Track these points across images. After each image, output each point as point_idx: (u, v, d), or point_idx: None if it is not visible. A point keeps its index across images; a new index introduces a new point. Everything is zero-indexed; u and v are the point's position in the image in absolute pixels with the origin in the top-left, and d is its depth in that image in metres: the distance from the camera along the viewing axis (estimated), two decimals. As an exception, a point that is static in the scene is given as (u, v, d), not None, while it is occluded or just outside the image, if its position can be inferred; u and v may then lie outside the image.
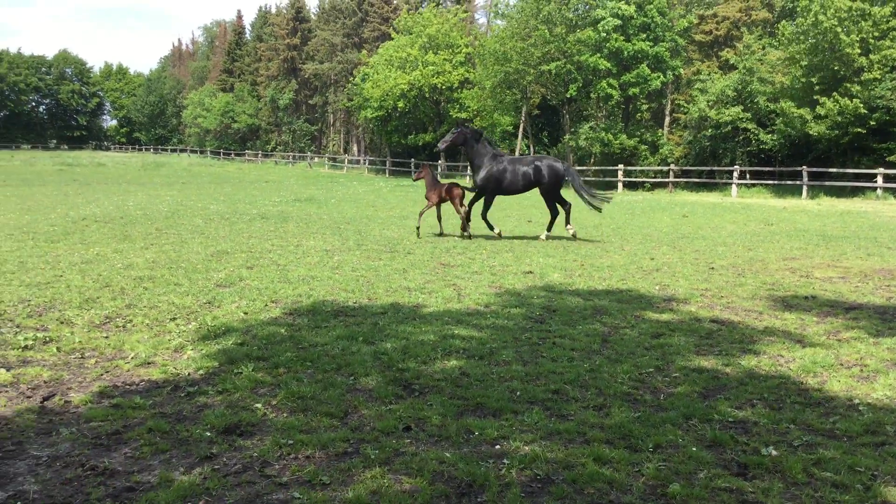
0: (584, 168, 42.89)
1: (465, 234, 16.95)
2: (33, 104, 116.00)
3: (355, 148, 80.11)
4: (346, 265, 12.52)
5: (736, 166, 36.06)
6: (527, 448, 4.91)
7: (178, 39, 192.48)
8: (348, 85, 66.03)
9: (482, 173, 16.69)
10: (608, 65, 39.93)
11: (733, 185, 35.46)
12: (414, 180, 18.30)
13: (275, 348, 7.25)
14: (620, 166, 39.40)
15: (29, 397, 5.86)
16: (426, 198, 17.35)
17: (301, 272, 11.67)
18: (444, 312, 9.06)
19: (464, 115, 51.66)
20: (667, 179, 38.94)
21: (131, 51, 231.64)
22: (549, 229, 17.49)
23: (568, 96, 43.01)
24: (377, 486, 4.30)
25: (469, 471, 4.51)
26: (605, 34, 39.76)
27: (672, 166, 39.25)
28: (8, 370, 6.49)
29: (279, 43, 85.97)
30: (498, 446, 4.96)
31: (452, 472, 4.52)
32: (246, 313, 8.83)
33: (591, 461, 4.71)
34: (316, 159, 72.51)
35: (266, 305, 9.28)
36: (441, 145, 16.50)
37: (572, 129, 44.93)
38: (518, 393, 6.05)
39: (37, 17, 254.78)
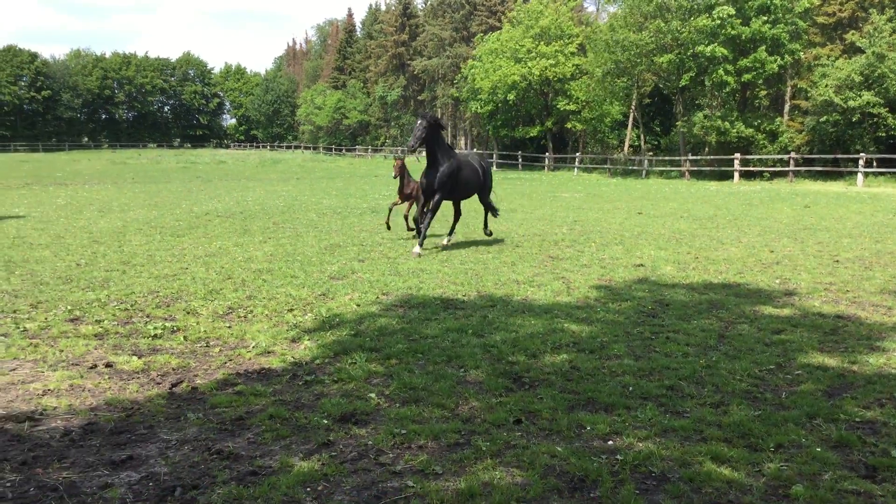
0: (699, 157, 41.56)
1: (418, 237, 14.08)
2: (159, 105, 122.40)
3: (462, 141, 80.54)
4: (455, 258, 12.62)
5: (862, 154, 34.08)
6: (641, 444, 4.82)
7: (293, 39, 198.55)
8: (456, 78, 66.33)
9: (443, 169, 13.71)
10: (724, 51, 38.47)
11: (859, 174, 33.53)
12: (394, 177, 15.52)
13: (387, 339, 7.40)
14: (737, 155, 37.96)
15: (159, 384, 6.21)
16: (402, 194, 15.57)
17: (411, 265, 11.85)
18: (553, 305, 8.99)
19: (572, 107, 50.96)
20: (787, 168, 37.18)
21: (249, 51, 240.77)
22: (451, 229, 15.16)
23: (681, 85, 41.73)
24: (489, 478, 4.33)
25: (581, 465, 4.47)
26: (719, 20, 38.30)
27: (792, 154, 37.50)
28: (139, 358, 6.90)
29: (388, 40, 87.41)
30: (611, 442, 4.89)
31: (564, 467, 4.49)
32: (358, 305, 9.05)
33: (709, 460, 4.58)
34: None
35: (377, 297, 9.47)
36: (412, 143, 13.39)
37: (685, 118, 43.57)
38: (631, 388, 5.95)
39: (161, 21, 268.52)
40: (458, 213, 15.16)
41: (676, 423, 5.17)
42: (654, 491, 4.23)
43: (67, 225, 17.30)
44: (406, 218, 15.80)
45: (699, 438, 4.95)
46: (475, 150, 67.19)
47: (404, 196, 15.41)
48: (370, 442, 4.90)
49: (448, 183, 13.72)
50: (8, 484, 4.30)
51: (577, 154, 51.48)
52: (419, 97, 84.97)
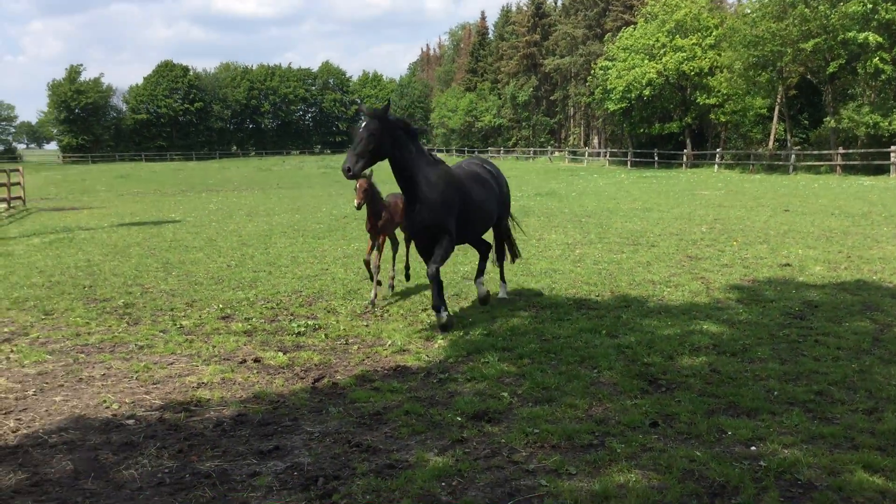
0: (851, 151, 38.97)
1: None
2: (301, 113, 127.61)
3: (596, 140, 79.25)
4: (588, 258, 12.46)
5: None
6: (786, 451, 4.60)
7: (427, 45, 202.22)
8: (589, 78, 65.34)
9: (435, 195, 8.13)
10: (879, 39, 35.83)
11: None
12: (357, 207, 9.17)
13: (519, 339, 7.42)
14: (893, 148, 35.33)
15: (302, 378, 6.51)
16: (371, 230, 9.70)
17: (543, 265, 11.80)
18: (692, 306, 8.71)
19: (712, 101, 49.04)
20: (953, 160, 34.28)
21: (386, 59, 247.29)
22: (500, 274, 9.99)
23: (830, 73, 39.22)
24: (624, 480, 4.26)
25: (722, 471, 4.32)
26: (871, 4, 35.70)
27: (960, 145, 34.50)
28: (284, 353, 7.25)
29: (520, 40, 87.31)
30: (753, 448, 4.70)
31: (703, 472, 4.35)
32: (491, 305, 9.10)
33: (860, 468, 4.31)
34: (556, 153, 72.78)
35: (512, 298, 9.49)
36: (350, 162, 7.77)
37: (835, 110, 40.96)
38: (776, 393, 5.68)
39: (305, 33, 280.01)
40: (484, 248, 9.59)
41: (825, 430, 4.90)
42: (799, 499, 4.03)
43: (219, 229, 18.38)
44: (366, 263, 9.91)
45: (850, 446, 4.67)
46: (552, 150, 65.68)
47: (375, 230, 9.61)
48: (503, 440, 4.93)
49: (452, 213, 8.15)
50: (166, 470, 4.64)
51: (718, 150, 49.52)
52: (551, 97, 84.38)
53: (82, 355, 7.35)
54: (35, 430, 5.36)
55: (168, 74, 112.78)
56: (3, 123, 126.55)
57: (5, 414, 5.70)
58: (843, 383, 5.86)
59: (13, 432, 5.33)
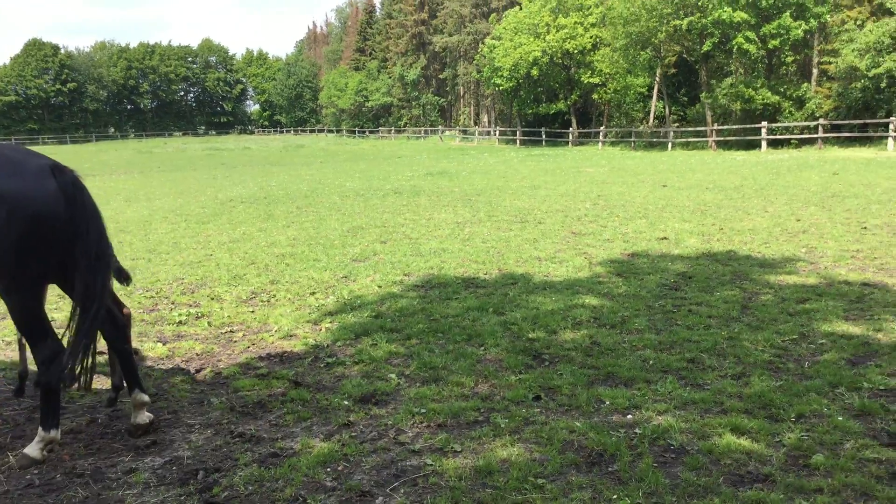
0: (724, 127, 40.93)
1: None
2: (182, 93, 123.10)
3: (485, 119, 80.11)
4: (477, 237, 12.60)
5: (893, 119, 33.35)
6: (660, 418, 4.81)
7: (313, 22, 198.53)
8: (477, 56, 65.85)
9: None
10: (745, 16, 37.66)
11: (890, 139, 32.84)
12: None
13: (408, 320, 7.43)
14: (763, 123, 37.36)
15: (183, 369, 6.31)
16: None
17: (433, 245, 11.86)
18: (575, 281, 8.96)
19: (595, 80, 50.40)
20: (815, 136, 36.52)
21: (270, 36, 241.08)
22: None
23: (704, 52, 41.01)
24: (507, 455, 4.35)
25: (600, 440, 4.47)
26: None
27: (821, 121, 36.80)
28: (164, 344, 7.00)
29: (407, 19, 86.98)
30: (630, 416, 4.88)
31: (583, 442, 4.49)
32: (380, 286, 9.08)
33: (729, 431, 4.55)
34: (447, 132, 73.15)
35: (399, 279, 9.50)
36: None
37: (710, 87, 42.88)
38: (651, 362, 5.92)
39: (184, 8, 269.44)
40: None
41: (696, 396, 5.15)
42: (672, 463, 4.22)
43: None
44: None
45: (719, 410, 4.92)
46: (443, 129, 66.14)
47: None
48: (390, 422, 4.93)
49: None
50: (35, 471, 4.40)
51: (601, 128, 51.03)
52: (440, 76, 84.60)
53: (-59, 355, 6.87)
54: None
55: (36, 54, 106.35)
56: None
57: None
58: (714, 350, 6.16)
59: None
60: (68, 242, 4.43)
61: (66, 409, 5.39)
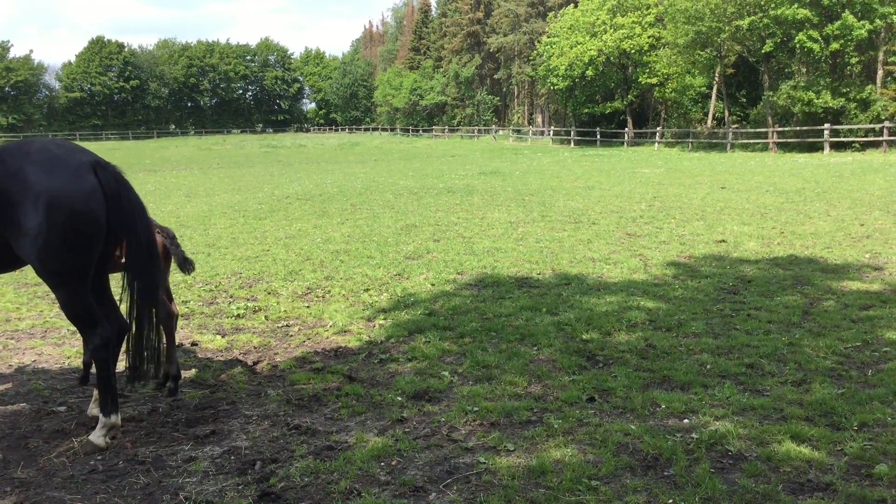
0: (786, 129, 39.97)
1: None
2: (241, 91, 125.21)
3: (539, 119, 79.65)
4: (531, 237, 12.56)
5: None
6: (717, 423, 4.73)
7: (369, 22, 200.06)
8: (532, 54, 65.52)
9: None
10: (807, 13, 36.65)
11: (962, 142, 31.68)
12: None
13: (460, 318, 7.44)
14: (826, 126, 36.36)
15: (241, 361, 6.43)
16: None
17: (486, 244, 11.86)
18: (630, 283, 8.87)
19: (653, 80, 49.70)
20: (880, 139, 35.38)
21: (327, 35, 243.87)
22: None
23: (765, 52, 40.08)
24: (560, 455, 4.33)
25: (655, 444, 4.42)
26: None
27: (886, 124, 35.64)
28: (223, 336, 7.15)
29: (463, 17, 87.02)
30: (686, 420, 4.81)
31: (638, 445, 4.45)
32: (433, 284, 9.12)
33: (789, 439, 4.45)
34: (500, 132, 72.97)
35: (452, 277, 9.52)
36: None
37: (771, 88, 41.88)
38: (708, 366, 5.83)
39: (245, 8, 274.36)
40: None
41: (755, 402, 5.05)
42: (730, 469, 4.15)
43: (156, 210, 17.96)
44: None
45: (779, 417, 4.82)
46: (496, 129, 65.78)
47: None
48: (443, 419, 4.95)
49: None
50: (98, 457, 4.53)
51: (658, 128, 50.31)
52: (495, 75, 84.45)
53: (12, 341, 7.13)
54: (-40, 421, 5.19)
55: (101, 51, 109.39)
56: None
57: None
58: (774, 356, 6.03)
59: (-63, 423, 5.15)
60: (111, 237, 4.55)
61: (128, 398, 5.54)
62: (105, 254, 4.67)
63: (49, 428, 5.01)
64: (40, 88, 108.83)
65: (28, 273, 10.15)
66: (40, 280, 9.56)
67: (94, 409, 5.01)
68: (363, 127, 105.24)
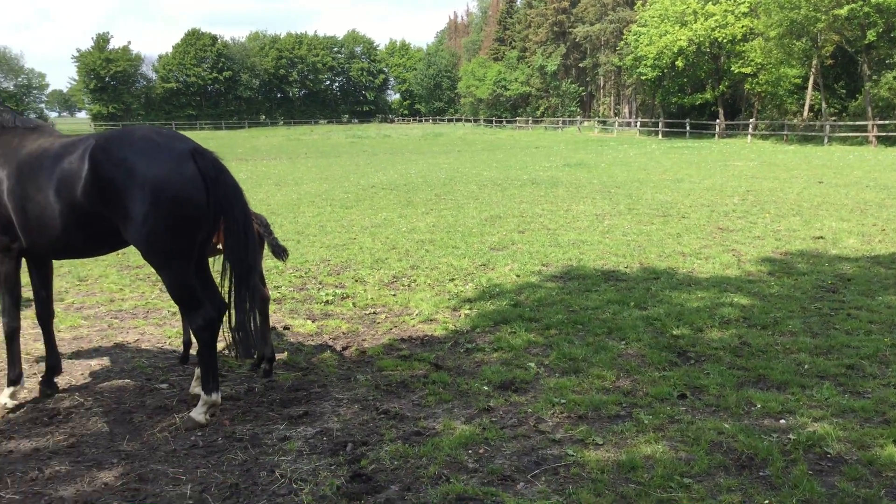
0: (887, 122, 38.09)
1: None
2: (328, 82, 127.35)
3: (626, 110, 78.22)
4: (617, 229, 12.37)
5: None
6: (816, 425, 4.57)
7: (454, 12, 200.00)
8: (620, 44, 64.35)
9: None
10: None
11: None
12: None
13: (546, 310, 7.41)
14: (933, 117, 34.50)
15: (331, 346, 6.57)
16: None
17: (571, 236, 11.75)
18: (722, 279, 8.64)
19: (746, 70, 48.04)
20: None
21: (412, 26, 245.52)
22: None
23: (867, 43, 38.20)
24: (651, 452, 4.26)
25: (750, 443, 4.30)
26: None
27: None
28: (313, 321, 7.32)
29: (548, 8, 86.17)
30: (783, 421, 4.67)
31: (732, 444, 4.34)
32: (518, 276, 9.10)
33: (892, 443, 4.27)
34: (585, 123, 72.02)
35: (537, 269, 9.48)
36: None
37: (873, 79, 39.91)
38: (806, 366, 5.63)
39: (329, 1, 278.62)
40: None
41: (856, 404, 4.85)
42: (829, 472, 4.00)
43: (248, 198, 18.46)
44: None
45: (881, 420, 4.62)
46: (581, 120, 64.47)
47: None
48: (530, 409, 4.95)
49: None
50: (199, 433, 4.72)
51: (751, 120, 48.69)
52: (580, 65, 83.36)
53: (116, 321, 7.48)
54: (72, 394, 5.48)
55: (196, 43, 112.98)
56: (35, 92, 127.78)
57: (42, 377, 5.82)
58: (875, 357, 5.79)
59: (46, 396, 5.46)
60: (212, 221, 4.72)
61: (226, 378, 5.74)
62: (207, 237, 4.85)
63: (152, 404, 5.24)
64: (138, 79, 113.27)
65: (130, 255, 10.62)
66: (141, 262, 9.98)
67: (195, 388, 5.21)
68: (446, 117, 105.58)
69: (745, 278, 8.66)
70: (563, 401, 5.05)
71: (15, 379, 5.26)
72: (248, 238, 4.83)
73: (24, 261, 5.28)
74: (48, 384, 5.49)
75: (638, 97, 71.48)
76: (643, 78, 56.79)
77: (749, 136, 46.38)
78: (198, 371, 5.13)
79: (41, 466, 4.27)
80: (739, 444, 4.33)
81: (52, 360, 5.54)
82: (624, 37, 61.23)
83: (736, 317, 7.01)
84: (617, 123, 65.98)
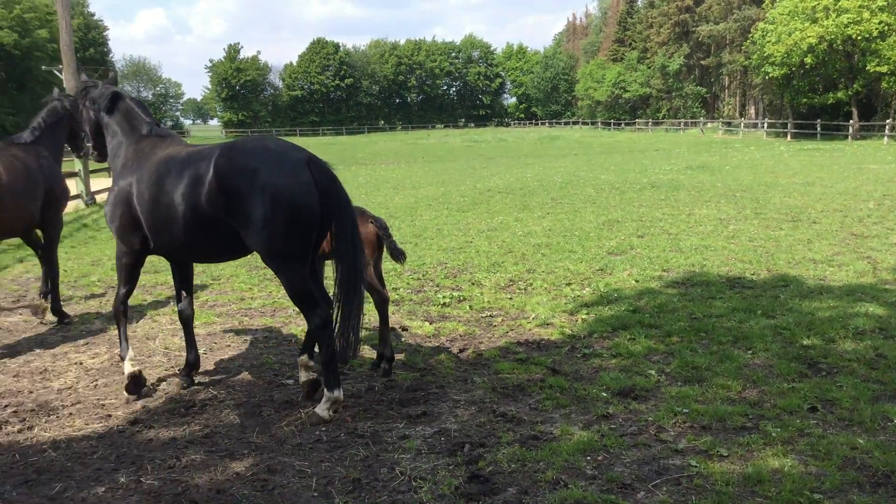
0: None
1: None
2: (445, 87, 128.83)
3: (752, 110, 75.11)
4: (743, 235, 11.93)
5: None
6: (962, 445, 4.27)
7: (573, 14, 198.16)
8: (745, 43, 61.87)
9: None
10: None
11: None
12: None
13: (667, 317, 7.24)
14: None
15: (448, 348, 6.67)
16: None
17: (693, 241, 11.42)
18: (856, 287, 8.19)
19: (883, 69, 45.18)
20: None
21: (529, 30, 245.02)
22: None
23: None
24: (779, 465, 4.11)
25: (886, 460, 4.08)
26: None
27: None
28: (431, 323, 7.44)
29: (670, 6, 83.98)
30: (924, 439, 4.39)
31: (866, 460, 4.12)
32: (637, 281, 8.93)
33: None
34: (709, 125, 69.67)
35: (657, 274, 9.28)
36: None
37: None
38: (951, 382, 5.27)
39: (452, 6, 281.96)
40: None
41: None
42: (979, 498, 3.74)
43: (367, 201, 18.97)
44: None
45: None
46: (704, 121, 61.74)
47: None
48: (650, 418, 4.86)
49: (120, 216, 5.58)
50: (323, 428, 4.90)
51: (888, 121, 45.76)
52: (702, 63, 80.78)
53: (246, 318, 7.86)
54: (206, 386, 5.81)
55: (321, 52, 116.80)
56: (172, 100, 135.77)
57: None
58: None
59: (183, 388, 5.81)
60: (324, 226, 4.95)
61: (348, 376, 5.93)
62: (319, 240, 5.09)
63: (279, 399, 5.48)
64: (266, 87, 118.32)
65: (258, 257, 11.12)
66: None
67: (302, 376, 5.47)
68: (563, 121, 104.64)
69: (881, 287, 8.17)
70: (685, 410, 4.93)
71: (125, 354, 5.75)
72: (355, 243, 5.03)
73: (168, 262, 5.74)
74: (187, 378, 5.86)
75: (765, 97, 68.53)
76: (769, 76, 54.39)
77: (886, 137, 43.59)
78: (300, 359, 5.47)
79: (178, 455, 4.54)
80: (875, 460, 4.10)
81: (192, 357, 5.91)
82: (750, 35, 58.84)
83: (871, 327, 6.63)
84: (742, 125, 63.52)
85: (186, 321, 5.91)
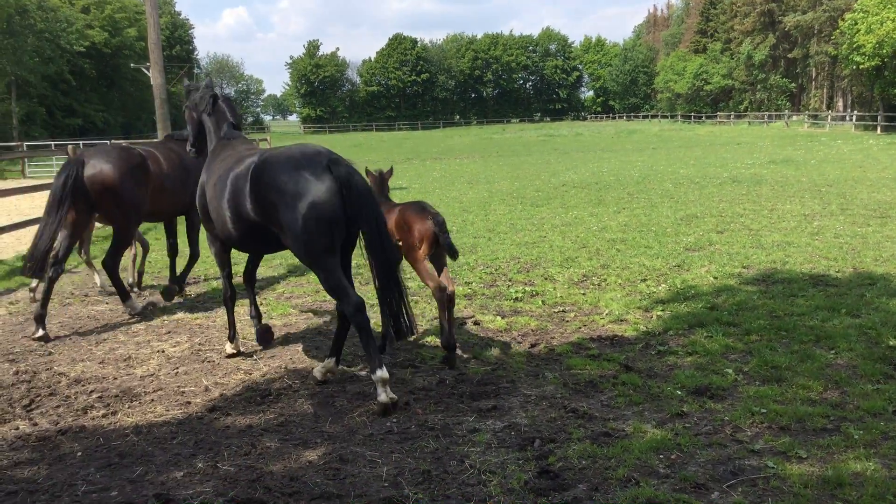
0: None
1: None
2: (521, 81, 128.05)
3: (840, 103, 72.17)
4: (828, 231, 11.51)
5: None
6: None
7: (654, 6, 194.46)
8: (834, 33, 59.48)
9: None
10: None
11: None
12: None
13: (746, 315, 7.06)
14: None
15: (519, 343, 6.65)
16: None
17: (775, 238, 11.08)
18: (952, 287, 7.80)
19: None
20: None
21: (612, 22, 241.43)
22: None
23: None
24: (861, 469, 3.96)
25: (980, 470, 3.88)
26: None
27: None
28: (502, 318, 7.44)
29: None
30: None
31: (957, 469, 3.93)
32: (715, 277, 8.73)
33: None
34: (794, 117, 67.30)
35: (737, 271, 9.04)
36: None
37: None
38: None
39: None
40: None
41: None
42: None
43: (441, 195, 19.07)
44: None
45: None
46: (789, 114, 59.19)
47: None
48: (726, 417, 4.75)
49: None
50: (393, 419, 4.97)
51: None
52: (789, 55, 78.04)
53: (321, 310, 8.02)
54: (281, 375, 5.96)
55: (398, 47, 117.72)
56: (253, 97, 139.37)
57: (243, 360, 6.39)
58: None
59: (262, 376, 5.97)
60: (349, 221, 5.26)
61: (419, 369, 5.99)
62: (349, 234, 5.41)
63: (351, 390, 5.58)
64: (343, 83, 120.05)
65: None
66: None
67: (317, 372, 5.77)
68: (641, 114, 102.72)
69: (980, 287, 7.76)
70: (763, 410, 4.80)
71: (232, 337, 6.49)
72: (381, 233, 5.28)
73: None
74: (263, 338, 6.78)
75: (854, 89, 65.76)
76: (859, 67, 52.14)
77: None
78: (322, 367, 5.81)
79: (254, 442, 4.67)
80: (968, 469, 3.91)
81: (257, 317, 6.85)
82: (839, 25, 56.51)
83: (968, 329, 6.31)
84: (829, 117, 61.12)
85: (250, 284, 6.89)
